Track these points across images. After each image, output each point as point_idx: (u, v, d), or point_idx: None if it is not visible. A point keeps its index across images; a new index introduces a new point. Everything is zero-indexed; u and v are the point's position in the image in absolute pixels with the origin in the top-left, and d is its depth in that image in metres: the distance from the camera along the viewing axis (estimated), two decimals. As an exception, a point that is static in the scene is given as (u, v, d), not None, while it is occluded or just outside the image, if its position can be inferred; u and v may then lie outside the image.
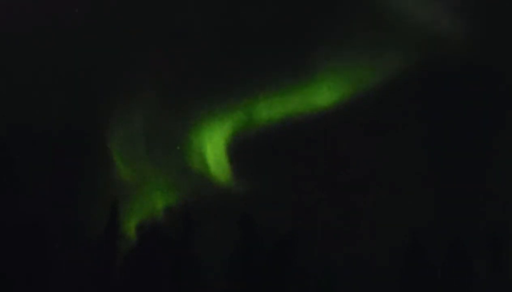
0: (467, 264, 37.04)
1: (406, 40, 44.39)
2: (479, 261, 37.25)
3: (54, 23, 47.14)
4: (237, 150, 45.53)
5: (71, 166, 43.46)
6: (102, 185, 43.91)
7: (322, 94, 45.03)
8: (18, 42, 46.96)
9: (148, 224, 41.94)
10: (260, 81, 45.53)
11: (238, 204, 41.09)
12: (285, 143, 44.18)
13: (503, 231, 37.37)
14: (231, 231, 38.56)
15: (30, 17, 48.00)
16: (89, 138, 44.92)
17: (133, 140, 45.90)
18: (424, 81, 43.29)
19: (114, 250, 40.53)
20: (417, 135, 42.79)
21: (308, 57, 45.03)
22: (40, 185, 41.96)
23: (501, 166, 40.49)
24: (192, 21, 47.22)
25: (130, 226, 42.33)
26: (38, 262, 39.20)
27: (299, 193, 41.68)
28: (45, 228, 40.28)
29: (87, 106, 45.60)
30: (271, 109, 45.60)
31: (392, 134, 42.92)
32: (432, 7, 45.09)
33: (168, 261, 39.40)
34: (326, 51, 44.66)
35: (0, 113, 43.76)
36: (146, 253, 40.21)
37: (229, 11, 46.86)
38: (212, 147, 45.83)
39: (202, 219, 40.83)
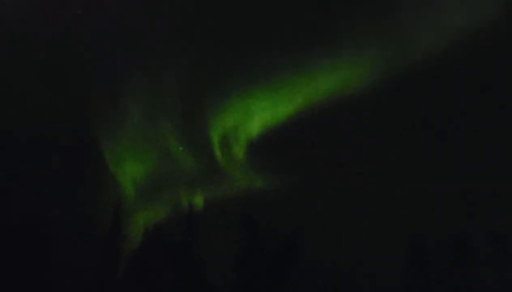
0: (469, 264, 37.12)
1: (405, 39, 44.60)
2: (482, 261, 37.33)
3: (57, 24, 47.28)
4: (238, 150, 45.74)
5: (74, 166, 43.55)
6: (105, 185, 44.05)
7: (322, 94, 45.20)
8: (19, 43, 47.02)
9: (152, 225, 42.09)
10: (261, 81, 45.69)
11: (241, 204, 41.22)
12: (287, 142, 44.31)
13: (505, 231, 37.43)
14: (235, 231, 38.65)
15: (31, 18, 48.09)
16: (91, 139, 45.02)
17: (135, 140, 46.07)
18: (422, 80, 43.48)
19: (117, 251, 40.67)
20: (417, 135, 42.93)
21: (306, 56, 45.24)
22: (43, 186, 42.03)
23: (502, 165, 40.62)
24: (193, 20, 47.32)
25: (133, 227, 42.51)
26: (41, 263, 39.30)
27: (302, 192, 41.80)
28: (48, 228, 40.34)
29: (88, 108, 45.69)
30: (272, 108, 45.78)
31: (392, 134, 43.02)
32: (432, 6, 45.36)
33: (171, 261, 39.49)
34: (324, 51, 44.92)
35: (2, 115, 43.81)
36: (150, 254, 40.33)
37: (230, 11, 46.94)
38: (214, 147, 46.01)
39: (206, 219, 41.03)
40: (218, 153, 45.80)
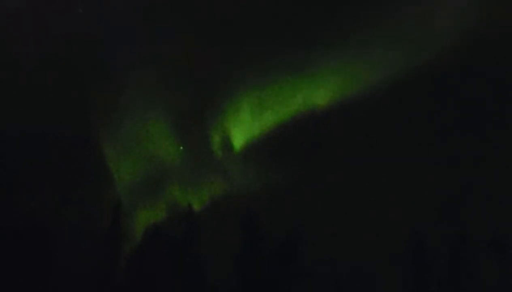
0: (470, 264, 37.14)
1: (404, 39, 44.63)
2: (482, 260, 37.33)
3: (57, 23, 47.36)
4: (239, 149, 45.72)
5: (74, 165, 43.54)
6: (104, 185, 44.05)
7: (323, 94, 45.20)
8: (19, 42, 47.04)
9: (151, 224, 42.08)
10: (261, 81, 45.69)
11: (241, 203, 41.22)
12: (287, 142, 44.32)
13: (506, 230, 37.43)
14: (235, 231, 38.65)
15: (31, 17, 48.16)
16: (91, 138, 45.02)
17: (136, 140, 46.03)
18: (423, 80, 43.47)
19: (117, 250, 40.65)
20: (418, 136, 42.92)
21: (307, 56, 45.21)
22: (42, 186, 42.01)
23: (502, 165, 40.61)
24: (195, 19, 47.37)
25: (133, 226, 42.49)
26: (40, 262, 39.27)
27: (302, 192, 41.81)
28: (47, 228, 40.32)
29: (88, 106, 45.69)
30: (273, 108, 45.79)
31: (392, 134, 43.03)
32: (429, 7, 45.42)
33: (171, 261, 39.49)
34: (325, 50, 44.91)
35: (2, 114, 43.83)
36: (150, 253, 40.32)
37: (232, 9, 46.97)
38: (214, 147, 45.98)
39: (206, 218, 41.04)
40: (218, 152, 45.83)
